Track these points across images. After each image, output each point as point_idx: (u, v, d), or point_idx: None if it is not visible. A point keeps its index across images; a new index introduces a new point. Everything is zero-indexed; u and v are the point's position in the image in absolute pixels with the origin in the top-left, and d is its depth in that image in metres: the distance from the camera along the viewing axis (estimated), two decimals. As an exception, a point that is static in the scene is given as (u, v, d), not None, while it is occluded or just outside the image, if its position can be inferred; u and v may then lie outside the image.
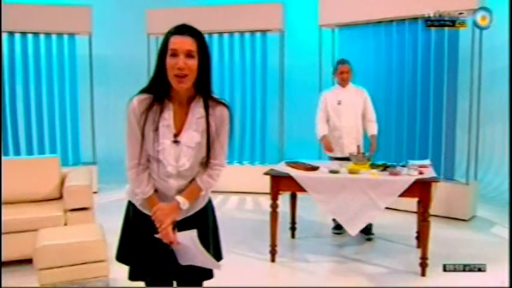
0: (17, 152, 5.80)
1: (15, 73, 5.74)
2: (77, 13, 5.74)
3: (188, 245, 1.69)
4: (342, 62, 4.10)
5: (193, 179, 1.76)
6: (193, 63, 1.60)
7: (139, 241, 1.79)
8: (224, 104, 1.73)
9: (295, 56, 6.41)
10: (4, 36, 5.58)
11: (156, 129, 1.66)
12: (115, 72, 7.57)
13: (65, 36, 5.80)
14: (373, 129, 4.08)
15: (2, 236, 3.13)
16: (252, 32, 5.89)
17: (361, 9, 5.15)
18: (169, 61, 1.59)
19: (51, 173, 3.77)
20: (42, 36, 5.76)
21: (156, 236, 1.71)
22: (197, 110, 1.69)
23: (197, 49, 1.60)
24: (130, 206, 1.83)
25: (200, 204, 1.83)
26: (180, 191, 1.74)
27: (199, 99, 1.70)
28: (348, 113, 4.06)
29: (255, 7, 5.78)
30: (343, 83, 4.08)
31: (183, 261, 1.75)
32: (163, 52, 1.61)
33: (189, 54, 1.59)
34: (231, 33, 5.95)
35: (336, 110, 4.08)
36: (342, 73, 4.05)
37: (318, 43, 5.63)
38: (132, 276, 1.85)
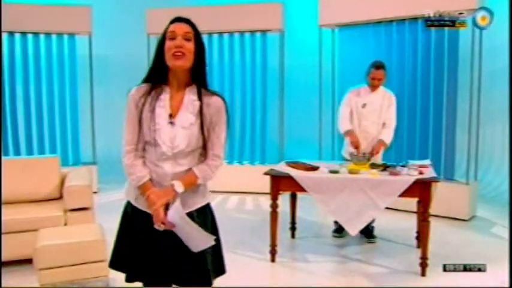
0: (17, 152, 5.80)
1: (15, 73, 5.74)
2: (77, 13, 5.74)
3: (181, 224, 1.67)
4: (377, 67, 3.78)
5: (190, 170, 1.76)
6: (191, 45, 1.69)
7: (137, 240, 1.77)
8: (219, 95, 1.78)
9: (295, 56, 6.41)
10: (4, 36, 5.58)
11: (153, 110, 1.71)
12: (115, 72, 7.57)
13: (65, 36, 5.80)
14: (384, 134, 3.86)
15: (2, 236, 3.13)
16: (252, 32, 5.89)
17: (361, 9, 5.15)
18: (168, 44, 1.68)
19: (51, 173, 3.77)
20: (42, 36, 5.76)
21: (155, 226, 1.69)
22: (191, 95, 1.75)
23: (193, 34, 1.70)
24: (128, 205, 1.84)
25: (198, 202, 1.81)
26: (175, 180, 1.73)
27: (194, 87, 1.76)
28: (371, 118, 3.88)
29: (255, 7, 5.78)
30: (373, 88, 3.86)
31: (193, 247, 1.72)
32: (162, 40, 1.70)
33: (186, 37, 1.68)
34: (231, 33, 5.95)
35: (358, 113, 3.90)
36: (374, 79, 3.80)
37: (318, 43, 5.63)
38: (129, 279, 1.84)
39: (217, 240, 1.83)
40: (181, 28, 1.68)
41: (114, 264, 1.85)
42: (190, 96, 1.74)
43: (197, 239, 1.71)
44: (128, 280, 1.84)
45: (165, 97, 1.73)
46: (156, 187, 1.73)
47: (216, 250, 1.83)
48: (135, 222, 1.79)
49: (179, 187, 1.70)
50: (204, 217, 1.82)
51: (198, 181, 1.76)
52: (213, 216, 1.88)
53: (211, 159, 1.77)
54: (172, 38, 1.67)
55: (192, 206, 1.79)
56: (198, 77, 1.74)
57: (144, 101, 1.72)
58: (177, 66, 1.68)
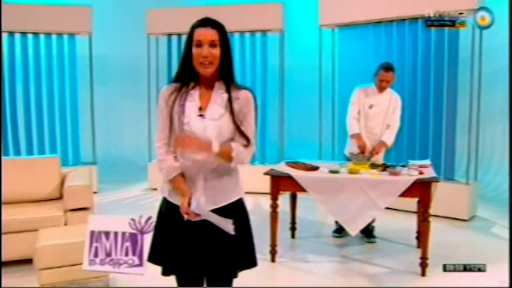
0: (17, 152, 5.79)
1: (15, 73, 5.73)
2: (77, 13, 5.73)
3: (204, 214, 1.72)
4: (386, 69, 3.77)
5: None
6: (217, 51, 1.73)
7: (172, 234, 1.81)
8: (247, 89, 1.83)
9: (295, 56, 6.41)
10: (4, 36, 5.58)
11: (183, 104, 1.77)
12: (115, 72, 7.59)
13: (65, 36, 5.79)
14: (386, 135, 3.87)
15: (2, 236, 3.13)
16: (252, 32, 5.89)
17: (361, 9, 5.15)
18: (195, 51, 1.73)
19: (51, 173, 3.77)
20: (42, 36, 5.75)
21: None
22: (220, 89, 1.80)
23: (219, 39, 1.74)
24: (163, 201, 1.88)
25: (230, 197, 1.84)
26: (206, 178, 1.78)
27: (223, 83, 1.80)
28: (377, 120, 3.89)
29: (255, 7, 5.78)
30: (381, 90, 3.86)
31: (226, 230, 1.75)
32: (189, 44, 1.75)
33: (212, 44, 1.72)
34: (231, 33, 5.88)
35: (365, 114, 3.90)
36: (382, 81, 3.79)
37: (318, 43, 5.63)
38: (165, 272, 1.87)
39: (250, 234, 1.89)
40: (207, 35, 1.72)
41: (152, 258, 1.88)
42: (219, 90, 1.79)
43: (222, 225, 1.75)
44: (164, 274, 1.87)
45: (195, 92, 1.80)
46: (187, 181, 1.78)
47: (248, 244, 1.88)
48: (169, 217, 1.83)
49: (215, 146, 1.71)
50: (236, 212, 1.85)
51: (232, 154, 1.76)
52: (245, 211, 1.91)
53: (244, 145, 1.81)
54: (199, 45, 1.72)
55: (223, 201, 1.82)
56: (225, 74, 1.79)
57: (175, 97, 1.78)
58: (206, 72, 1.74)
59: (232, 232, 1.74)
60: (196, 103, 1.78)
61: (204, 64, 1.72)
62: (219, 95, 1.79)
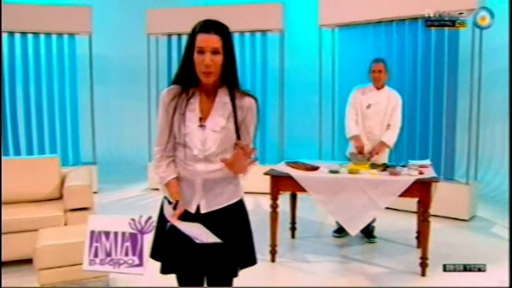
0: (17, 152, 5.80)
1: (15, 73, 5.74)
2: (77, 13, 5.73)
3: (184, 227, 1.72)
4: (376, 60, 3.89)
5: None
6: (219, 58, 1.67)
7: (172, 233, 1.80)
8: (252, 96, 1.79)
9: (295, 56, 6.41)
10: (4, 36, 5.58)
11: (183, 114, 1.74)
12: (115, 72, 7.60)
13: (65, 36, 5.80)
14: (386, 136, 3.87)
15: (2, 236, 3.13)
16: (252, 32, 5.89)
17: (361, 9, 5.15)
18: (197, 57, 1.67)
19: (51, 173, 3.77)
20: (42, 36, 5.76)
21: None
22: (223, 97, 1.76)
23: (222, 45, 1.68)
24: (164, 200, 1.87)
25: (229, 198, 1.84)
26: (207, 178, 1.77)
27: (226, 89, 1.76)
28: (375, 119, 3.88)
29: (255, 7, 5.77)
30: (376, 83, 3.86)
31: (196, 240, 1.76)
32: (190, 48, 1.70)
33: (214, 51, 1.66)
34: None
35: (363, 114, 3.89)
36: (374, 72, 3.84)
37: (318, 43, 5.63)
38: (164, 270, 1.87)
39: (250, 234, 1.90)
40: (209, 42, 1.65)
41: (154, 255, 1.88)
42: (221, 99, 1.75)
43: (206, 238, 1.74)
44: (162, 272, 1.87)
45: (196, 100, 1.75)
46: (187, 184, 1.79)
47: (248, 244, 1.89)
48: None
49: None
50: (236, 213, 1.86)
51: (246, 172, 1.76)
52: (245, 211, 1.91)
53: None
54: (201, 52, 1.66)
55: (223, 202, 1.82)
56: (228, 78, 1.74)
57: (175, 104, 1.74)
58: (207, 81, 1.70)
59: (218, 240, 1.72)
60: (197, 113, 1.74)
61: (205, 73, 1.66)
62: (222, 105, 1.75)
